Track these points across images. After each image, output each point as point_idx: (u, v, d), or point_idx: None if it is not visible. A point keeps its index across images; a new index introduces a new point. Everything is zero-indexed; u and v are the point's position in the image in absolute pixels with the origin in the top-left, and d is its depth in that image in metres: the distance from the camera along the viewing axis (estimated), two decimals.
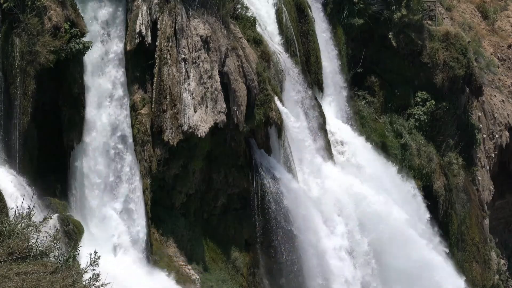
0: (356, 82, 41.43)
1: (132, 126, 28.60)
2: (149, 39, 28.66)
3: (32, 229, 12.17)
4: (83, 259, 12.64)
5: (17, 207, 14.16)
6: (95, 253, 11.85)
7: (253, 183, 32.04)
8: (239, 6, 32.85)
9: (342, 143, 38.15)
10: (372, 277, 35.44)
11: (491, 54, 51.46)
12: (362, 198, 36.34)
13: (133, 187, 28.47)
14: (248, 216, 32.27)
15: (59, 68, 26.18)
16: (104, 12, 28.34)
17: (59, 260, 12.05)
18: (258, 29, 34.04)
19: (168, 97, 28.82)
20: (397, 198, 38.29)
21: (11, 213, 19.56)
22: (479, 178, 46.16)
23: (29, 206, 12.99)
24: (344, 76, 40.09)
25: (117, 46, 28.46)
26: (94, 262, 11.55)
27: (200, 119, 29.10)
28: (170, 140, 28.74)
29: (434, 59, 42.98)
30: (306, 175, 34.47)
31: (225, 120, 29.82)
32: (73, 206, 27.11)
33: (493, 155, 48.58)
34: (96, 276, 11.33)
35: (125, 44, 28.48)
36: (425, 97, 42.71)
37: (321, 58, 38.24)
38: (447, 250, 40.78)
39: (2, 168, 24.85)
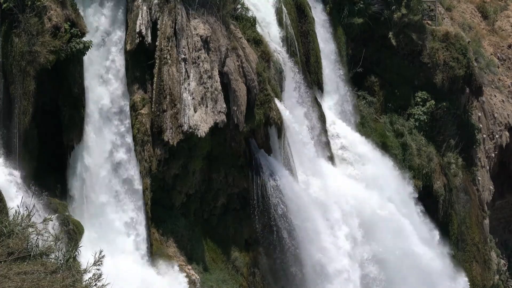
0: (356, 82, 41.40)
1: (132, 126, 28.59)
2: (149, 39, 28.63)
3: (32, 230, 12.15)
4: (83, 259, 12.61)
5: (17, 207, 14.15)
6: (100, 252, 11.75)
7: (253, 183, 32.01)
8: (239, 6, 32.84)
9: (342, 143, 38.13)
10: (374, 277, 35.42)
11: (491, 54, 51.46)
12: (362, 197, 36.32)
13: (133, 187, 28.46)
14: (248, 216, 32.25)
15: (59, 68, 26.16)
16: (104, 12, 28.32)
17: (60, 260, 12.02)
18: (258, 29, 34.03)
19: (168, 97, 28.81)
20: (396, 198, 38.32)
21: (10, 213, 19.55)
22: (479, 178, 46.14)
23: (27, 207, 12.97)
24: (344, 76, 40.06)
25: (117, 46, 28.45)
26: (98, 262, 11.50)
27: (200, 119, 29.08)
28: (170, 140, 28.72)
29: (434, 59, 42.98)
30: (306, 175, 34.43)
31: (225, 120, 29.80)
32: (72, 206, 27.08)
33: (493, 155, 48.57)
34: (98, 276, 11.27)
35: (125, 44, 28.46)
36: (425, 97, 42.70)
37: (321, 58, 38.22)
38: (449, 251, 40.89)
39: (2, 168, 24.84)
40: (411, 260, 37.18)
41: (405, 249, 37.13)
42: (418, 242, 37.80)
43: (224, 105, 29.76)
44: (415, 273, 37.24)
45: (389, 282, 36.01)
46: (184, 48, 29.25)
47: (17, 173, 24.99)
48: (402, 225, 37.22)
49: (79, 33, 26.24)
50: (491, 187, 47.88)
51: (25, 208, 13.20)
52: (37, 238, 12.49)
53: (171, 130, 28.74)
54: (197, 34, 29.69)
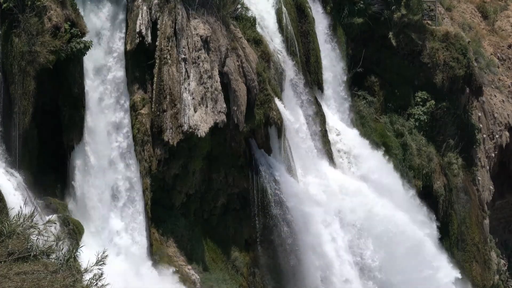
0: (356, 82, 41.39)
1: (132, 126, 28.58)
2: (149, 39, 28.63)
3: (34, 231, 12.14)
4: (84, 259, 12.60)
5: (20, 207, 14.14)
6: (103, 252, 11.74)
7: (253, 183, 32.02)
8: (239, 6, 32.84)
9: (342, 143, 38.13)
10: (373, 276, 35.41)
11: (491, 54, 51.45)
12: (362, 197, 36.31)
13: (133, 187, 28.45)
14: (248, 216, 32.26)
15: (59, 68, 26.15)
16: (104, 12, 28.31)
17: (60, 260, 12.01)
18: (258, 29, 34.03)
19: (168, 97, 28.81)
20: (395, 197, 38.32)
21: (11, 213, 19.55)
22: (479, 178, 46.13)
23: (32, 209, 12.95)
24: (344, 76, 40.06)
25: (117, 46, 28.45)
26: (100, 262, 11.49)
27: (200, 119, 29.09)
28: (170, 140, 28.72)
29: (434, 59, 42.97)
30: (305, 174, 34.44)
31: (225, 120, 29.81)
32: (73, 206, 27.08)
33: (493, 155, 48.57)
34: (99, 276, 11.26)
35: (125, 44, 28.46)
36: (425, 97, 42.70)
37: (321, 58, 38.21)
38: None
39: (2, 168, 24.83)
40: (411, 259, 37.21)
41: (405, 248, 37.13)
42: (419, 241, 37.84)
43: (224, 105, 29.76)
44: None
45: (389, 282, 36.02)
46: (184, 48, 29.25)
47: (17, 173, 24.98)
48: (402, 225, 37.20)
49: (79, 33, 26.23)
50: (491, 187, 47.87)
51: (27, 207, 13.18)
52: (37, 239, 12.48)
53: (171, 130, 28.74)
54: (197, 34, 29.69)
